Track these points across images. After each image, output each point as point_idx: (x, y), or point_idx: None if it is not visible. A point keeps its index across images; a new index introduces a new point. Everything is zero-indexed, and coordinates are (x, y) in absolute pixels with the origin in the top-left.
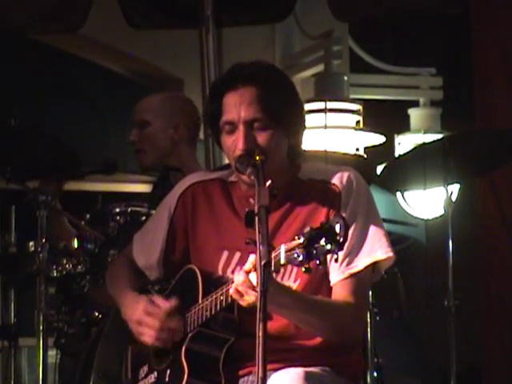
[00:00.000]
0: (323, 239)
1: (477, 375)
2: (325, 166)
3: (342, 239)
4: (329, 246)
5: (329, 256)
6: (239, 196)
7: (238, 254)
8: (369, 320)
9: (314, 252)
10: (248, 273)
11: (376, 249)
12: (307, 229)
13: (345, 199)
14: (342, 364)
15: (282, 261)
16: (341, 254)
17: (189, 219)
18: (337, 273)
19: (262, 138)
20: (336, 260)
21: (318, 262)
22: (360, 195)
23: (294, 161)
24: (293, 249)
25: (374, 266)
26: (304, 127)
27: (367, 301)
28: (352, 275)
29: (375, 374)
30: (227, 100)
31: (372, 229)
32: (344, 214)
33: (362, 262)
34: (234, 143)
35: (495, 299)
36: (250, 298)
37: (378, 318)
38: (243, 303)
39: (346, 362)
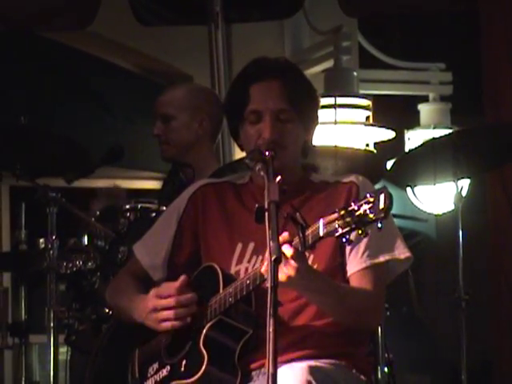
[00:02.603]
0: (365, 208)
1: (488, 371)
2: (334, 174)
3: (386, 207)
4: (372, 215)
5: (348, 247)
6: (251, 193)
7: (252, 245)
8: None
9: (356, 222)
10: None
11: (394, 248)
12: (345, 203)
13: (363, 193)
14: (354, 355)
15: (321, 233)
16: (363, 243)
17: (199, 219)
18: (357, 262)
19: (286, 129)
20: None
21: (360, 232)
22: None
23: (305, 156)
24: (332, 221)
25: (391, 265)
26: (317, 124)
27: (384, 292)
28: (372, 265)
29: (386, 369)
30: (254, 90)
31: (391, 229)
32: None
33: (382, 256)
34: (258, 132)
35: (506, 294)
36: (281, 275)
37: (388, 313)
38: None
39: (358, 354)
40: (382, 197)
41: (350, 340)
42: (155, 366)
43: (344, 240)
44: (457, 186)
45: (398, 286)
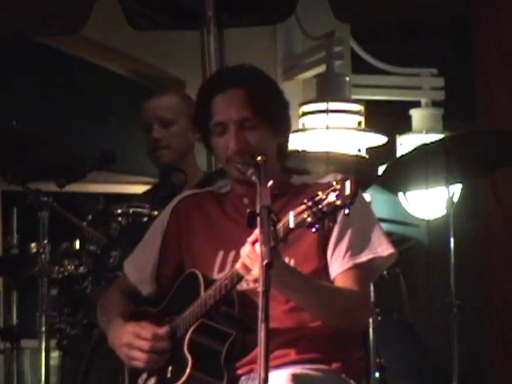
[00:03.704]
0: (332, 196)
1: (480, 378)
2: (314, 175)
3: (352, 193)
4: (339, 202)
5: (330, 249)
6: (231, 201)
7: (233, 253)
8: (371, 320)
9: (324, 210)
10: (253, 244)
11: (376, 245)
12: (312, 193)
13: None
14: (345, 359)
15: (292, 225)
16: (344, 244)
17: (183, 231)
18: (340, 263)
19: (252, 137)
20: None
21: (328, 220)
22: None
23: (282, 161)
24: (301, 212)
25: (375, 263)
26: (290, 127)
27: (369, 293)
28: (355, 266)
29: (377, 375)
30: (217, 102)
31: (372, 227)
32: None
33: (365, 255)
34: (226, 143)
35: (497, 300)
36: (256, 270)
37: (379, 318)
38: (250, 277)
39: (349, 358)
40: (347, 183)
41: (341, 344)
42: (144, 375)
43: (314, 230)
44: (448, 192)
45: (390, 291)
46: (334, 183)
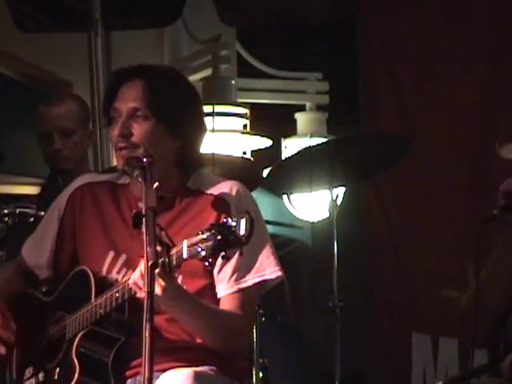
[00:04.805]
0: (227, 233)
1: (362, 379)
2: (212, 178)
3: (246, 233)
4: (232, 241)
5: (217, 269)
6: (127, 199)
7: (123, 256)
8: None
9: (218, 246)
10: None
11: (265, 267)
12: (209, 225)
13: (234, 212)
14: (228, 364)
15: (185, 255)
16: (230, 266)
17: (76, 220)
18: (225, 286)
19: (139, 127)
20: (226, 258)
21: (221, 256)
22: (250, 209)
23: (184, 168)
24: (195, 244)
25: (262, 285)
26: (198, 131)
27: (253, 314)
28: (240, 290)
29: (261, 375)
30: (120, 90)
31: (261, 245)
32: None
33: (251, 279)
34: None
35: (379, 300)
36: (143, 294)
37: (263, 319)
38: (142, 295)
39: (232, 363)
40: (242, 223)
41: (223, 352)
42: (31, 369)
43: (207, 264)
44: (332, 194)
45: (274, 293)
46: (229, 221)
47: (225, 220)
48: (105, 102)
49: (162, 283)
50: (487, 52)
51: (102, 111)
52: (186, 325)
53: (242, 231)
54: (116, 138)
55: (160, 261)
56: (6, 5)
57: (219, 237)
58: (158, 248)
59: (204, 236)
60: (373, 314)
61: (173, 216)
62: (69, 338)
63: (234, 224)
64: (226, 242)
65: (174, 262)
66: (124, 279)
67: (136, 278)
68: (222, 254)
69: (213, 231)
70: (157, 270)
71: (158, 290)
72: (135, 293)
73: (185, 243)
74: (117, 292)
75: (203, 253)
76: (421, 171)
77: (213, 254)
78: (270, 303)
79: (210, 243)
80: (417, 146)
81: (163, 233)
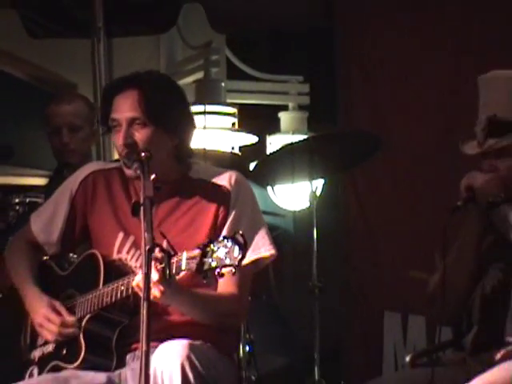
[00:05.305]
0: (223, 253)
1: (338, 352)
2: (213, 169)
3: (240, 256)
4: (228, 261)
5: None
6: (134, 186)
7: (132, 238)
8: None
9: (214, 263)
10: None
11: (260, 246)
12: (207, 240)
13: (234, 199)
14: (219, 339)
15: (183, 267)
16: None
17: (88, 203)
18: None
19: (140, 134)
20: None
21: (216, 273)
22: (247, 196)
23: (182, 160)
24: (194, 257)
25: (257, 263)
26: (190, 128)
27: (249, 292)
28: (238, 269)
29: (247, 349)
30: (115, 101)
31: (257, 227)
32: (233, 212)
33: (247, 258)
34: (118, 139)
35: (354, 283)
36: (151, 293)
37: (250, 299)
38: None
39: (223, 338)
40: (236, 248)
41: (220, 329)
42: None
43: (203, 277)
44: (312, 186)
45: (259, 275)
46: (226, 241)
47: (221, 238)
48: (101, 112)
49: (161, 288)
50: (453, 54)
51: (102, 122)
52: (185, 313)
53: (236, 254)
54: (119, 146)
55: (160, 267)
56: (18, 14)
57: (215, 255)
58: (160, 255)
59: (202, 252)
60: (348, 294)
61: (176, 202)
62: (78, 318)
63: (229, 244)
64: (220, 261)
65: (174, 271)
66: (133, 259)
67: (138, 281)
68: (218, 271)
69: (210, 248)
70: (156, 277)
71: (156, 293)
72: (137, 293)
73: (184, 255)
74: (122, 285)
75: (200, 268)
76: (393, 165)
77: (208, 270)
78: (255, 285)
79: (206, 259)
80: (388, 143)
81: (165, 241)
